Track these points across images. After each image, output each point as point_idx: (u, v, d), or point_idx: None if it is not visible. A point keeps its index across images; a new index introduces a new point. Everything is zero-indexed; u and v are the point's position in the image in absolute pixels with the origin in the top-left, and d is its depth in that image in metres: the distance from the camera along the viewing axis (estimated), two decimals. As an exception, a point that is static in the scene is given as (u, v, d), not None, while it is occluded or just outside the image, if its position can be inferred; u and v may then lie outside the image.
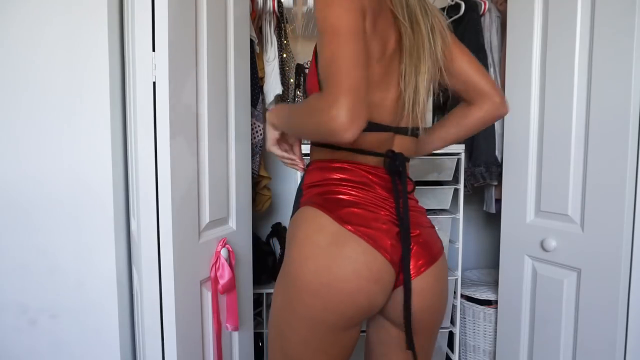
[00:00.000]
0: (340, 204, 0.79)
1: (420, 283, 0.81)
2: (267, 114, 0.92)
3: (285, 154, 0.95)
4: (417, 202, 0.92)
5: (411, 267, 0.81)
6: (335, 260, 0.75)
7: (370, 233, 0.77)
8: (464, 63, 0.92)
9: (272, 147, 0.94)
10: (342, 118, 0.63)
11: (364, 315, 0.80)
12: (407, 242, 0.80)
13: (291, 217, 0.88)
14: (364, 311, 0.78)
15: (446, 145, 1.03)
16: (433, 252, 0.85)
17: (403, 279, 0.79)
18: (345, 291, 0.75)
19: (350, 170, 0.83)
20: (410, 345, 0.82)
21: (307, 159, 0.96)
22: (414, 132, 0.89)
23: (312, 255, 0.77)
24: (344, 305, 0.76)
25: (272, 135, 0.93)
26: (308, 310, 0.76)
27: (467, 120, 0.96)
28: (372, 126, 0.80)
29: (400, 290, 0.81)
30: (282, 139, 0.94)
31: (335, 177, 0.83)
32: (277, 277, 0.85)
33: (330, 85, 0.65)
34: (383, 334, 0.88)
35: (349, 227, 0.76)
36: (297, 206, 0.87)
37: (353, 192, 0.81)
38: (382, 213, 0.80)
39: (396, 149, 0.86)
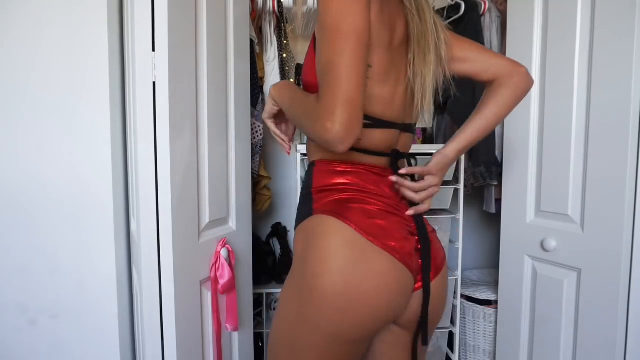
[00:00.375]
0: (361, 214, 0.76)
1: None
2: (271, 87, 0.91)
3: (278, 131, 0.96)
4: None
5: (422, 277, 0.81)
6: (366, 276, 0.73)
7: (394, 246, 0.75)
8: (473, 49, 0.90)
9: (268, 120, 0.95)
10: (337, 131, 0.63)
11: (386, 326, 0.81)
12: (427, 250, 0.81)
13: (299, 221, 0.84)
14: (388, 322, 0.79)
15: (486, 134, 0.90)
16: (437, 262, 0.85)
17: (422, 284, 0.81)
18: (375, 307, 0.74)
19: (359, 173, 0.81)
20: (424, 341, 0.85)
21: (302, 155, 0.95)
22: (414, 129, 0.89)
23: (339, 271, 0.73)
24: (370, 320, 0.75)
25: (270, 108, 0.93)
26: (332, 326, 0.73)
27: (502, 97, 0.87)
28: (380, 123, 0.80)
29: (411, 296, 0.81)
30: (280, 114, 0.95)
31: (346, 181, 0.80)
32: (285, 288, 0.81)
33: (327, 94, 0.64)
34: (385, 333, 0.88)
35: (375, 240, 0.75)
36: (308, 212, 0.82)
37: (370, 200, 0.79)
38: (398, 221, 0.79)
39: (400, 148, 0.86)
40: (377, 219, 0.77)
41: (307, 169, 0.91)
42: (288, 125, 0.97)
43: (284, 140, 0.97)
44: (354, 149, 0.80)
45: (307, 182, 0.87)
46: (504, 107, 0.88)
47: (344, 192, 0.79)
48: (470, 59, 0.89)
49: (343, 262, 0.73)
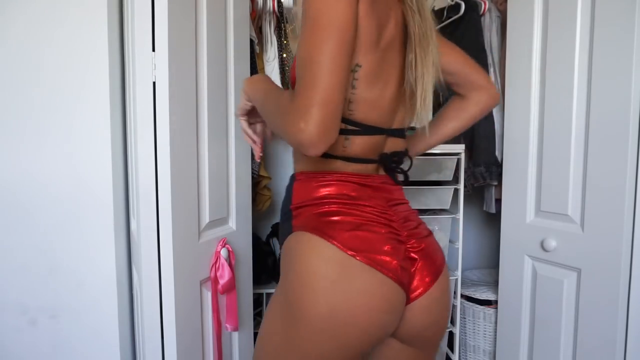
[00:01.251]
0: (341, 227, 0.71)
1: (427, 300, 0.77)
2: (245, 81, 0.85)
3: (249, 131, 0.91)
4: (408, 204, 0.87)
5: (418, 284, 0.77)
6: (350, 295, 0.68)
7: (378, 259, 0.70)
8: (458, 59, 0.89)
9: (241, 118, 0.91)
10: (311, 133, 0.59)
11: (376, 344, 0.76)
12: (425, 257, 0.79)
13: (282, 239, 0.79)
14: (378, 341, 0.74)
15: (444, 141, 0.99)
16: (437, 264, 0.81)
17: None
18: (362, 327, 0.69)
19: (344, 183, 0.75)
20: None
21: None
22: (405, 133, 0.84)
23: (322, 291, 0.68)
24: (359, 341, 0.70)
25: (243, 104, 0.88)
26: (318, 349, 0.69)
27: (466, 113, 0.94)
28: (367, 129, 0.75)
29: (408, 308, 0.77)
30: (254, 112, 0.89)
31: (328, 193, 0.75)
32: (271, 305, 0.76)
33: (303, 92, 0.60)
34: (386, 350, 0.84)
35: (357, 255, 0.69)
36: (288, 229, 0.77)
37: (353, 211, 0.73)
38: (384, 231, 0.74)
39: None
40: (360, 231, 0.71)
41: (289, 180, 0.83)
42: (265, 125, 0.91)
43: (254, 142, 0.92)
44: (339, 157, 0.75)
45: (287, 198, 0.81)
46: (461, 129, 0.97)
47: (323, 206, 0.74)
48: (455, 73, 0.90)
49: (325, 282, 0.68)
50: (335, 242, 0.70)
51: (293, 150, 0.84)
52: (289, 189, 0.81)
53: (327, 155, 0.75)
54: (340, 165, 0.76)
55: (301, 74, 0.62)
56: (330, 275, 0.69)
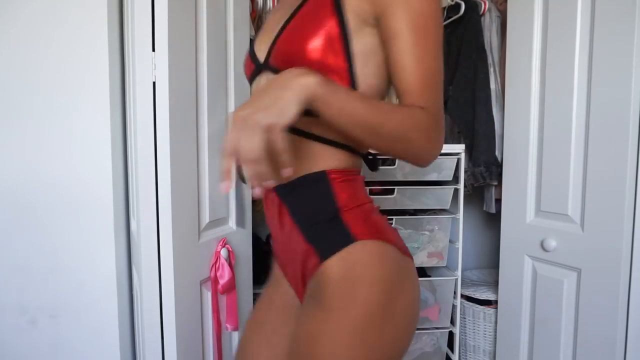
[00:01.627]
0: (393, 231, 0.71)
1: None
2: (317, 82, 0.55)
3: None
4: None
5: None
6: (418, 295, 0.72)
7: (409, 253, 0.73)
8: None
9: (280, 133, 0.53)
10: (441, 145, 0.63)
11: None
12: None
13: (329, 251, 0.66)
14: None
15: None
16: None
17: None
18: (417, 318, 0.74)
19: (362, 182, 0.74)
20: None
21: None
22: None
23: (415, 303, 0.70)
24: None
25: (295, 114, 0.54)
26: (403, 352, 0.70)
27: None
28: None
29: None
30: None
31: (365, 192, 0.73)
32: (335, 343, 0.62)
33: (438, 105, 0.62)
34: None
35: (408, 256, 0.71)
36: (344, 238, 0.65)
37: (379, 212, 0.73)
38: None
39: None
40: (396, 232, 0.72)
41: (312, 180, 0.68)
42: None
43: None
44: (361, 153, 0.73)
45: (322, 200, 0.68)
46: None
47: (364, 207, 0.70)
48: None
49: (416, 292, 0.70)
50: (400, 247, 0.70)
51: (293, 146, 0.67)
52: (325, 188, 0.67)
53: (353, 151, 0.70)
54: (357, 161, 0.74)
55: (431, 87, 0.62)
56: (414, 281, 0.71)
